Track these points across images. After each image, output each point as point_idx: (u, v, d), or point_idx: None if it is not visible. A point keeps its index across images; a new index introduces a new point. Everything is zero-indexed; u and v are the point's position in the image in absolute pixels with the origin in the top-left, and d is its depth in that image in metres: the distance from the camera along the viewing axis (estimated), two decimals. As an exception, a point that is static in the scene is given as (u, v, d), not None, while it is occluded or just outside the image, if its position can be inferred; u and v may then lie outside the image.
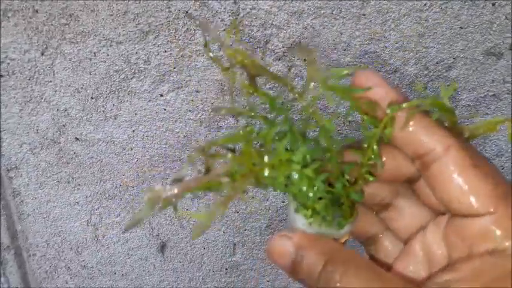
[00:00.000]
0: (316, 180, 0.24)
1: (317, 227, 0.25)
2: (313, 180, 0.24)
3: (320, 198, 0.25)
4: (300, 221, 0.26)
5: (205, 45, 0.24)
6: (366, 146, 0.25)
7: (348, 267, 0.24)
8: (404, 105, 0.24)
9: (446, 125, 0.24)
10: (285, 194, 0.26)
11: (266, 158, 0.23)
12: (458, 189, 0.23)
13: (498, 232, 0.22)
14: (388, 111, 0.24)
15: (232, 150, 0.24)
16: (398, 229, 0.28)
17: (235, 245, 0.49)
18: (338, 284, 0.23)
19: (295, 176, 0.24)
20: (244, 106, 0.25)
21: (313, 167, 0.24)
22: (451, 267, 0.24)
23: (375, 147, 0.25)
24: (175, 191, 0.22)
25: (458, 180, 0.23)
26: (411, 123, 0.23)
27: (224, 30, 0.38)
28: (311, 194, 0.24)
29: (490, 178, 0.23)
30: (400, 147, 0.25)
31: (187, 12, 0.32)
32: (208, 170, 0.23)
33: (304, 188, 0.24)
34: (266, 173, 0.24)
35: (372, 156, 0.25)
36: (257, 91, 0.24)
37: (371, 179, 0.26)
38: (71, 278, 0.49)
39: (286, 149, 0.24)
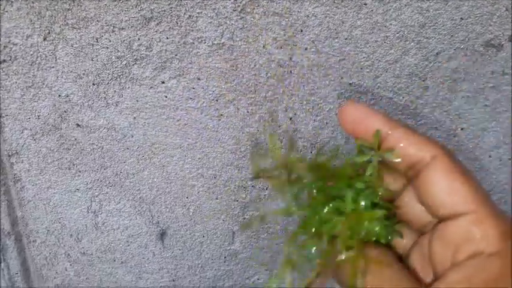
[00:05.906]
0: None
1: None
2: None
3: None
4: None
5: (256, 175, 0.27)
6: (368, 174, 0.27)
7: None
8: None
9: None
10: None
11: None
12: (443, 190, 0.25)
13: (477, 232, 0.23)
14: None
15: None
16: None
17: (234, 233, 0.49)
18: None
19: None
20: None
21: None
22: (441, 278, 0.24)
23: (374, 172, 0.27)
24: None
25: (443, 183, 0.25)
26: (402, 140, 0.26)
27: (226, 17, 0.38)
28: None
29: (471, 182, 0.25)
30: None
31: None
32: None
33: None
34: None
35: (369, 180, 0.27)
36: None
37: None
38: (70, 264, 0.49)
39: None
